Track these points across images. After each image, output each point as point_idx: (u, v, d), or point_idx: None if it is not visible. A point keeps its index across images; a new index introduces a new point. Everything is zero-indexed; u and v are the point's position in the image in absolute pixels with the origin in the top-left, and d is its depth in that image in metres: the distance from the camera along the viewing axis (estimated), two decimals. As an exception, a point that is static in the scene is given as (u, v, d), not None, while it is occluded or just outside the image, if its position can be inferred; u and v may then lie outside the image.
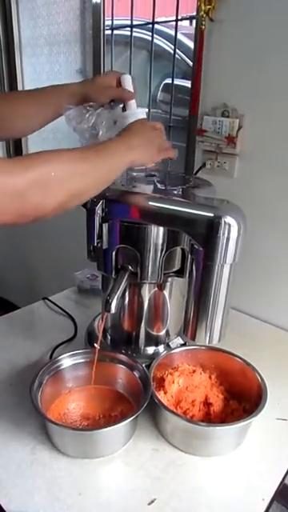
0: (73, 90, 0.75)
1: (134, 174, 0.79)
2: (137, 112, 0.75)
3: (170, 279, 0.81)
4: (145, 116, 0.75)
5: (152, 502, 0.63)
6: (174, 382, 0.79)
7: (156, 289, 0.82)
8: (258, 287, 1.12)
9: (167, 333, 0.88)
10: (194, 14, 1.14)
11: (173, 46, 1.31)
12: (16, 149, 1.98)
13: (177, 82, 1.35)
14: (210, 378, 0.82)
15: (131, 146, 0.66)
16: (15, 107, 0.75)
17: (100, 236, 0.75)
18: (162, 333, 0.88)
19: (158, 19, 1.34)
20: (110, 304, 0.70)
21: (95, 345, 0.89)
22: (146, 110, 1.46)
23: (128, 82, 0.75)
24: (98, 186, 0.62)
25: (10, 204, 0.50)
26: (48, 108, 0.75)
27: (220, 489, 0.66)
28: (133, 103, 0.75)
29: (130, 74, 1.41)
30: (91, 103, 0.73)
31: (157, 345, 0.88)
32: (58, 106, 0.73)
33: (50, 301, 1.17)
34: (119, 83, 0.75)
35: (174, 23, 1.26)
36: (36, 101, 0.76)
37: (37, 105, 0.76)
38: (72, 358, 0.80)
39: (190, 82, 1.23)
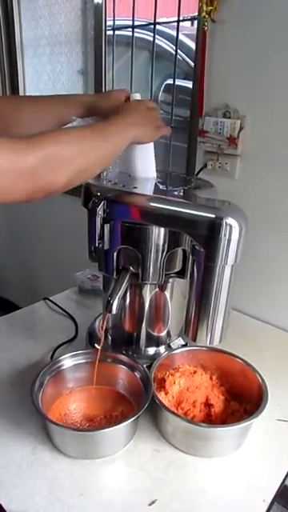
0: (82, 101, 0.75)
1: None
2: None
3: (171, 280, 0.81)
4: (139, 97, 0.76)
5: (153, 502, 0.63)
6: (174, 383, 0.79)
7: (157, 289, 0.82)
8: (259, 288, 1.12)
9: (168, 333, 0.88)
10: (196, 14, 1.14)
11: (174, 47, 1.31)
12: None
13: (178, 82, 1.35)
14: (210, 378, 0.82)
15: (131, 123, 0.67)
16: (19, 112, 0.74)
17: (101, 237, 0.75)
18: (163, 333, 0.88)
19: (159, 20, 1.34)
20: (111, 305, 0.71)
21: (96, 345, 0.89)
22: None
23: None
24: (104, 162, 0.64)
25: (21, 182, 0.51)
26: (53, 116, 0.74)
27: (221, 490, 0.66)
28: None
29: (132, 74, 1.42)
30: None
31: (158, 345, 0.88)
32: (64, 114, 0.73)
33: (50, 301, 1.17)
34: (128, 101, 0.76)
35: (175, 24, 1.26)
36: (41, 107, 0.75)
37: (42, 112, 0.75)
38: (73, 359, 0.80)
39: (191, 82, 1.23)
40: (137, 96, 0.76)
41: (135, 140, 0.69)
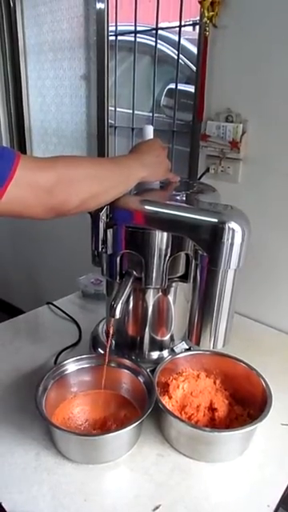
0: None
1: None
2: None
3: (174, 284, 0.81)
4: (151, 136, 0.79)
5: (157, 508, 0.63)
6: (178, 387, 0.79)
7: (160, 294, 0.82)
8: (263, 292, 1.12)
9: (171, 337, 0.88)
10: (197, 19, 1.15)
11: (176, 51, 1.32)
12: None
13: (180, 87, 1.36)
14: (214, 383, 0.82)
15: (144, 163, 0.71)
16: None
17: (104, 241, 0.75)
18: (167, 338, 0.88)
19: (161, 25, 1.34)
20: (115, 309, 0.71)
21: (99, 350, 0.89)
22: (150, 114, 1.47)
23: (149, 132, 0.79)
24: (113, 193, 0.67)
25: (40, 198, 0.56)
26: None
27: (225, 495, 0.66)
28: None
29: (134, 79, 1.43)
30: None
31: (161, 349, 0.88)
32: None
33: (54, 305, 1.17)
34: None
35: (177, 29, 1.27)
36: None
37: None
38: (77, 363, 0.80)
39: (193, 86, 1.24)
40: (149, 128, 0.79)
41: (144, 179, 0.72)
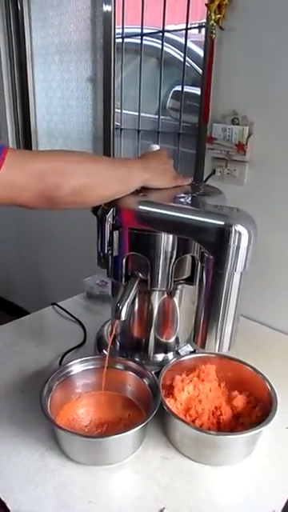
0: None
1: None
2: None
3: (179, 286, 0.81)
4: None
5: (161, 510, 0.62)
6: (183, 390, 0.78)
7: (166, 296, 0.82)
8: (269, 295, 1.12)
9: (177, 340, 0.88)
10: (204, 21, 1.15)
11: (182, 54, 1.32)
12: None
13: (186, 89, 1.36)
14: (219, 385, 0.81)
15: (146, 167, 0.72)
16: None
17: (110, 243, 0.75)
18: (172, 340, 0.88)
19: (167, 27, 1.35)
20: (120, 311, 0.71)
21: (104, 351, 0.89)
22: (156, 116, 1.47)
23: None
24: (111, 189, 0.68)
25: (31, 181, 0.58)
26: None
27: (230, 499, 0.66)
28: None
29: (140, 81, 1.43)
30: None
31: (166, 352, 0.88)
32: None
33: (59, 306, 1.17)
34: None
35: (183, 31, 1.27)
36: None
37: None
38: (81, 365, 0.80)
39: (199, 89, 1.24)
40: (155, 147, 0.82)
41: (148, 183, 0.73)
